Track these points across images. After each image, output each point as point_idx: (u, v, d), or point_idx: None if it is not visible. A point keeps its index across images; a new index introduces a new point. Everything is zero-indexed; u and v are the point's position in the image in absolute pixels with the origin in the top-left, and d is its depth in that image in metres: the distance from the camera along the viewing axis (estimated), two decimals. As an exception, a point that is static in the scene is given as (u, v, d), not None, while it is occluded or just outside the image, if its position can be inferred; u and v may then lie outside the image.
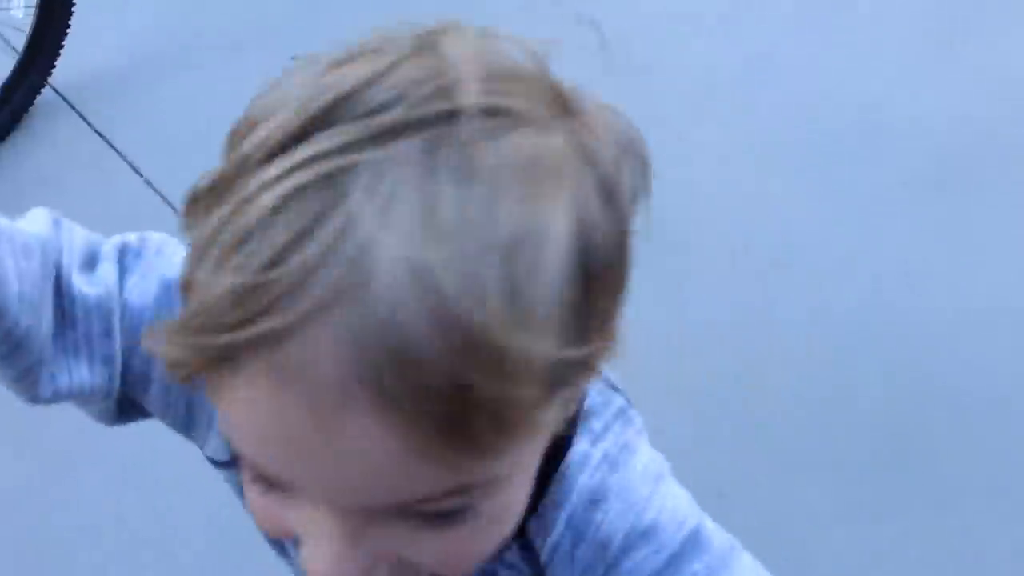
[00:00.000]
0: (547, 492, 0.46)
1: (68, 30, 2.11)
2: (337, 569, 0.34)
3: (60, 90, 2.24)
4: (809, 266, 1.77)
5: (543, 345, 0.32)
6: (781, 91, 2.06)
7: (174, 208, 1.82)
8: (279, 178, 0.31)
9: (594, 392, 0.50)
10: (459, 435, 0.31)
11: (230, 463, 0.54)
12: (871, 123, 1.99)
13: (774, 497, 1.49)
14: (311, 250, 0.30)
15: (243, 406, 0.32)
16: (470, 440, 0.31)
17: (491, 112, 0.32)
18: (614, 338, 0.38)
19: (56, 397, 0.51)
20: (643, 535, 0.47)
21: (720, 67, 2.14)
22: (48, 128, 2.10)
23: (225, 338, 0.30)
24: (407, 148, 0.31)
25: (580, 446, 0.48)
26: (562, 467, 0.47)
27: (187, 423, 0.56)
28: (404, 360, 0.29)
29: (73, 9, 2.10)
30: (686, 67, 2.15)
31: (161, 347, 0.33)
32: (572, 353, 0.33)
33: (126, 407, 0.56)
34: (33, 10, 2.10)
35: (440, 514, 0.35)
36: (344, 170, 0.30)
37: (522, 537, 0.47)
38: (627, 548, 0.47)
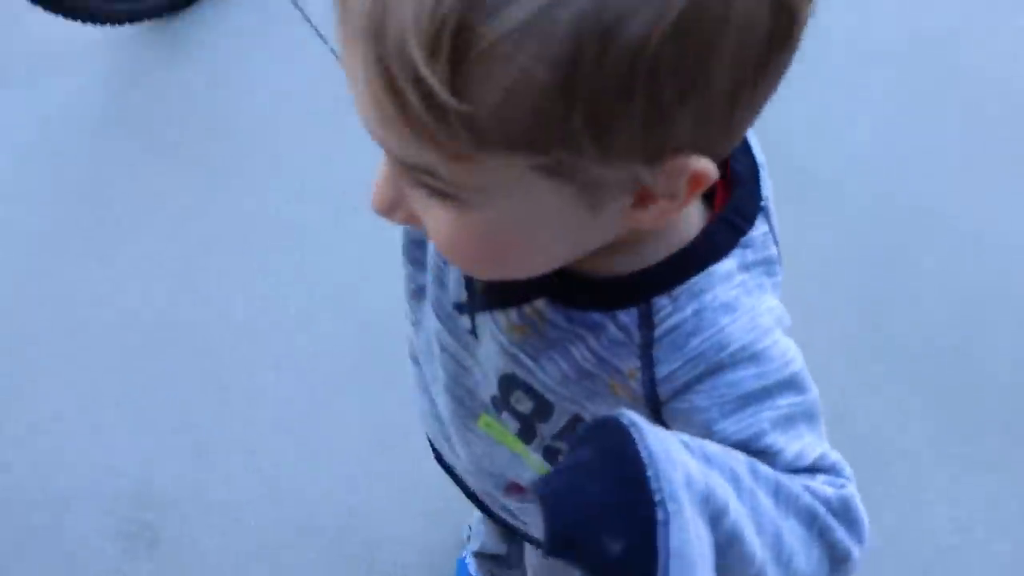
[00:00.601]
0: (687, 282, 0.52)
1: None
2: (376, 196, 0.49)
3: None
4: (950, 221, 1.78)
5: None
6: (951, 62, 2.03)
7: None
8: None
9: (760, 232, 0.54)
10: (403, 105, 0.40)
11: None
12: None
13: (886, 435, 1.51)
14: None
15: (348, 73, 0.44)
16: (410, 113, 0.40)
17: None
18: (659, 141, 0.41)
19: None
20: (753, 356, 0.51)
21: (895, 34, 2.09)
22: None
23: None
24: None
25: (729, 263, 0.52)
26: (710, 269, 0.52)
27: None
28: (376, 36, 0.39)
29: None
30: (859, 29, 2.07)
31: None
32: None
33: None
34: None
35: (434, 191, 0.45)
36: None
37: (647, 307, 0.52)
38: (737, 360, 0.51)
